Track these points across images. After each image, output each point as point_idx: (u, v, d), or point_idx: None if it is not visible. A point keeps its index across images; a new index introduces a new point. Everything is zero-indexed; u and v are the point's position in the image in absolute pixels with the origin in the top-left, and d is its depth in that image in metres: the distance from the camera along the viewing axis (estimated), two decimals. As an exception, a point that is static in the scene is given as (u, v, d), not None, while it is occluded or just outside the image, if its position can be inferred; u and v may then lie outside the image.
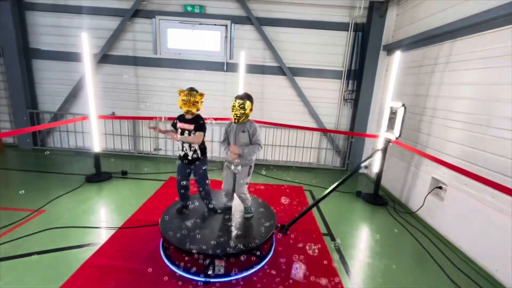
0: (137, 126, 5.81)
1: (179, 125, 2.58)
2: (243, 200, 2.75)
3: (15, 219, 3.07)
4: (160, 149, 6.02)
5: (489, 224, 2.73)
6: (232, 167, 2.61)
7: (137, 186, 4.30)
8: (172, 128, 2.67)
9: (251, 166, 2.65)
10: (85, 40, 3.91)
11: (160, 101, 5.71)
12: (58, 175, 4.54)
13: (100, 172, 4.47)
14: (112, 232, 2.97)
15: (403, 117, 3.62)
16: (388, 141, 3.93)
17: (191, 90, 2.50)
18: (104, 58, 5.52)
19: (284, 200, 3.24)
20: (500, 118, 2.71)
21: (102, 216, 3.39)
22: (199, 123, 2.54)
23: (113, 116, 5.46)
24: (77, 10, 5.35)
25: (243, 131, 2.54)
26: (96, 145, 4.39)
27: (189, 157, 2.58)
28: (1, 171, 4.63)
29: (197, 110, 2.55)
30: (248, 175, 2.67)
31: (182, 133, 2.56)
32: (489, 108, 2.87)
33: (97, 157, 4.44)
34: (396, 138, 3.75)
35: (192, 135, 2.53)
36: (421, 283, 2.52)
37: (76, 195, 3.81)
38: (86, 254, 2.57)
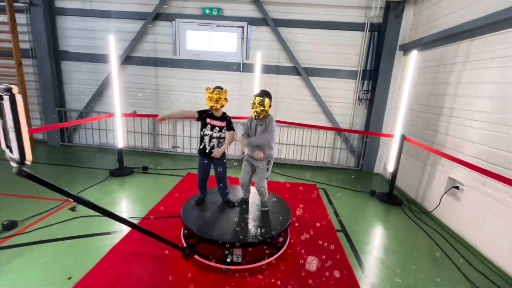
0: (157, 124, 6.06)
1: (211, 121, 2.75)
2: (261, 194, 2.86)
3: (47, 208, 3.33)
4: (178, 147, 6.24)
5: (507, 224, 2.71)
6: (252, 160, 2.75)
7: (157, 181, 4.51)
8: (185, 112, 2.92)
9: (269, 161, 2.77)
10: (112, 42, 4.16)
11: (179, 100, 5.94)
12: (85, 169, 4.83)
13: (123, 167, 4.72)
14: (136, 221, 3.15)
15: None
16: None
17: (217, 88, 2.66)
18: (127, 59, 5.81)
19: (299, 196, 3.32)
20: (520, 116, 2.69)
21: (126, 207, 3.60)
22: (229, 121, 2.80)
23: (135, 114, 5.73)
24: (102, 14, 5.68)
25: (261, 125, 2.68)
26: (120, 142, 4.63)
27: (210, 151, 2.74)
28: (34, 164, 4.97)
29: (221, 106, 2.71)
30: (267, 169, 2.78)
31: (212, 129, 2.75)
32: (510, 107, 2.84)
33: (120, 153, 4.69)
34: None
35: (224, 131, 2.77)
36: (437, 282, 2.52)
37: (102, 188, 4.06)
38: (113, 240, 2.77)
